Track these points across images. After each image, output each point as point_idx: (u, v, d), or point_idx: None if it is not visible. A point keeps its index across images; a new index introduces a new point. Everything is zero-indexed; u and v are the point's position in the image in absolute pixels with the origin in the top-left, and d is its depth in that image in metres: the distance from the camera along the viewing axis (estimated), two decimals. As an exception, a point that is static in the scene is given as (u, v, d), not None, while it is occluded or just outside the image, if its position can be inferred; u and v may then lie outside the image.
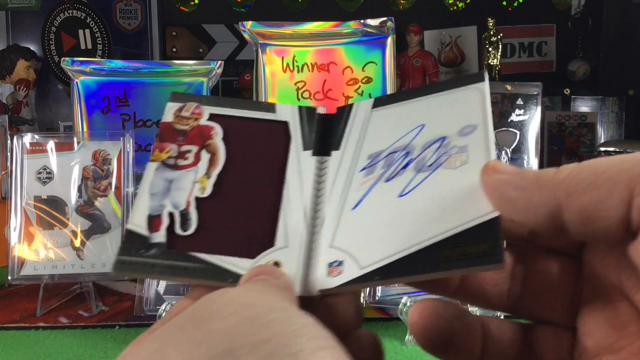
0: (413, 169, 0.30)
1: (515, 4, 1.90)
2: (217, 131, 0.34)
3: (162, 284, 0.79)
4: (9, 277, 0.83)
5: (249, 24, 1.02)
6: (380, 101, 0.34)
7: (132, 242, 0.30)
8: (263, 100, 1.00)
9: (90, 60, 1.06)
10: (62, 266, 0.84)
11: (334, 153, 0.33)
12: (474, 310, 0.58)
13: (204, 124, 0.34)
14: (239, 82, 1.92)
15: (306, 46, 1.02)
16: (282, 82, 1.02)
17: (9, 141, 0.94)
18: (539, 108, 1.18)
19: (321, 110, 0.35)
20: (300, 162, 0.33)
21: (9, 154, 0.90)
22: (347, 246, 0.29)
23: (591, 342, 0.25)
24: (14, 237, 0.84)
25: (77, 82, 1.05)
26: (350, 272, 0.27)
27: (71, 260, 0.84)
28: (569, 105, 1.68)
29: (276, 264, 0.29)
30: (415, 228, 0.27)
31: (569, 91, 1.67)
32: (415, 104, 0.33)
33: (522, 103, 1.18)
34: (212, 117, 0.34)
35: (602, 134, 1.60)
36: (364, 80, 1.02)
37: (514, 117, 1.17)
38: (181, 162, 0.33)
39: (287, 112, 0.35)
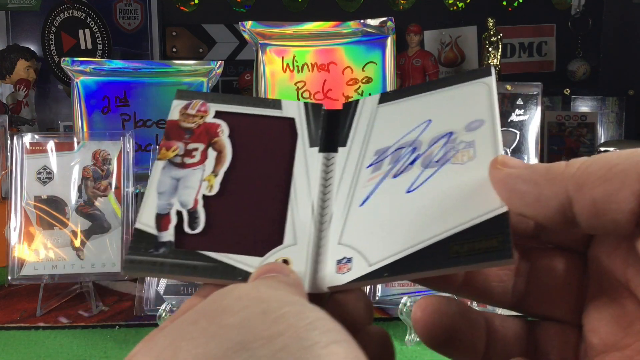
0: (420, 164, 0.29)
1: (515, 4, 1.91)
2: (224, 129, 0.34)
3: (162, 284, 0.79)
4: (9, 277, 0.83)
5: (249, 24, 1.02)
6: (387, 97, 0.34)
7: (141, 241, 0.30)
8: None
9: (90, 60, 1.06)
10: (62, 266, 0.84)
11: (340, 149, 0.33)
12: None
13: (210, 121, 0.34)
14: (239, 82, 1.92)
15: (306, 46, 1.02)
16: (282, 82, 1.02)
17: (9, 141, 0.94)
18: (539, 108, 1.18)
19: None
20: (307, 159, 0.33)
21: (9, 154, 0.90)
22: (356, 243, 0.29)
23: (597, 340, 0.24)
24: (14, 237, 0.84)
25: (77, 82, 1.05)
26: (359, 269, 0.27)
27: (71, 260, 0.84)
28: (569, 105, 1.68)
29: (285, 261, 0.29)
30: (423, 224, 0.27)
31: (569, 91, 1.67)
32: (421, 100, 0.33)
33: (522, 103, 1.18)
34: (218, 115, 0.34)
35: (602, 134, 1.61)
36: (364, 80, 1.02)
37: (514, 117, 1.17)
38: (188, 161, 0.33)
39: (293, 109, 0.35)
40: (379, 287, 0.81)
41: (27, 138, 0.87)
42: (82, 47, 1.86)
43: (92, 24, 1.86)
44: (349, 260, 0.28)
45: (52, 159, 0.87)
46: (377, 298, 0.81)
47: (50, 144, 0.87)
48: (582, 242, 0.26)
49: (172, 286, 0.78)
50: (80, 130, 1.04)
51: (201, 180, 0.32)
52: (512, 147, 1.16)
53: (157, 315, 0.68)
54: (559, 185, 0.23)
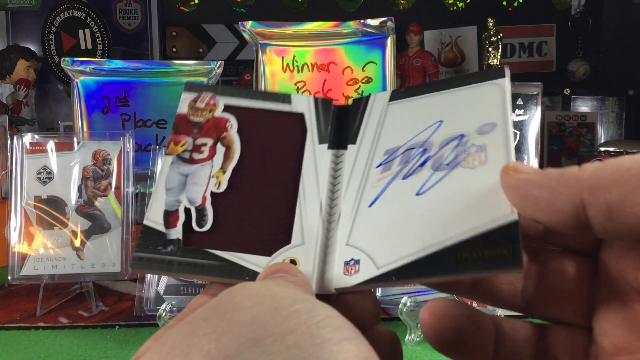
0: (430, 166, 0.29)
1: (515, 4, 1.91)
2: (232, 123, 0.33)
3: (162, 284, 0.79)
4: (9, 277, 0.83)
5: (249, 24, 1.02)
6: (398, 94, 0.34)
7: (149, 238, 0.30)
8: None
9: (90, 60, 1.06)
10: (62, 266, 0.84)
11: (350, 147, 0.33)
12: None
13: (219, 115, 0.33)
14: (239, 82, 1.92)
15: (306, 46, 1.02)
16: (282, 82, 1.02)
17: (9, 141, 0.94)
18: (539, 108, 1.18)
19: None
20: (315, 156, 0.32)
21: (9, 154, 0.90)
22: (364, 245, 0.28)
23: (608, 343, 0.24)
24: (14, 237, 0.84)
25: (77, 82, 1.05)
26: (366, 272, 0.27)
27: (71, 260, 0.84)
28: (569, 105, 1.68)
29: (292, 261, 0.29)
30: (432, 228, 0.27)
31: (569, 91, 1.67)
32: (433, 99, 0.32)
33: (522, 103, 1.18)
34: (227, 109, 0.34)
35: (602, 134, 1.60)
36: (364, 80, 1.02)
37: (514, 117, 1.17)
38: (197, 156, 0.32)
39: (303, 104, 0.34)
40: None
41: (27, 138, 0.87)
42: (82, 47, 1.86)
43: (92, 24, 1.86)
44: (357, 262, 0.28)
45: (52, 159, 0.87)
46: (377, 298, 0.80)
47: (50, 144, 0.87)
48: (592, 245, 0.26)
49: (172, 286, 0.78)
50: (80, 130, 1.04)
51: (209, 177, 0.32)
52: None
53: (157, 315, 0.68)
54: (572, 190, 0.23)
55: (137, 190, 0.91)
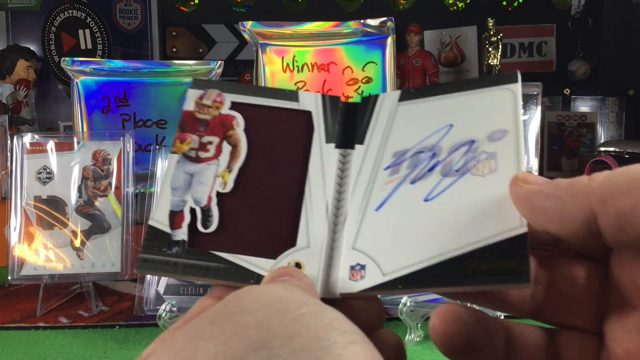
0: (439, 172, 0.29)
1: (515, 4, 1.91)
2: (239, 121, 0.33)
3: (162, 284, 0.79)
4: (9, 277, 0.83)
5: (249, 24, 1.02)
6: (407, 95, 0.33)
7: (154, 239, 0.29)
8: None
9: (90, 60, 1.06)
10: (62, 266, 0.84)
11: (357, 147, 0.32)
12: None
13: (225, 113, 0.33)
14: (239, 82, 1.92)
15: (306, 46, 1.02)
16: (282, 82, 1.02)
17: (9, 141, 0.94)
18: (539, 108, 1.18)
19: None
20: (322, 155, 0.32)
21: (9, 154, 0.90)
22: (370, 250, 0.28)
23: (619, 349, 0.24)
24: (14, 237, 0.84)
25: (77, 82, 1.05)
26: (372, 278, 0.27)
27: (71, 260, 0.84)
28: (569, 105, 1.68)
29: (297, 265, 0.29)
30: (440, 237, 0.26)
31: (569, 91, 1.67)
32: (443, 101, 0.32)
33: (522, 103, 1.18)
34: (234, 106, 0.33)
35: (602, 134, 1.60)
36: (364, 80, 1.02)
37: (514, 117, 1.17)
38: (202, 155, 0.32)
39: (310, 101, 0.34)
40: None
41: (27, 138, 0.87)
42: (82, 47, 1.86)
43: (92, 24, 1.86)
44: (363, 267, 0.28)
45: (52, 159, 0.87)
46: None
47: (50, 144, 0.87)
48: (602, 250, 0.26)
49: (172, 286, 0.78)
50: (80, 130, 1.04)
51: (215, 176, 0.31)
52: (512, 147, 1.16)
53: (157, 315, 0.68)
54: (582, 200, 0.23)
55: (137, 190, 0.91)
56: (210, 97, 0.33)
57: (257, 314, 0.20)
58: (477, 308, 0.27)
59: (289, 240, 0.30)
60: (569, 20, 1.91)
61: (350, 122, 0.33)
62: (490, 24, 1.70)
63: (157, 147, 0.95)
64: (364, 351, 0.19)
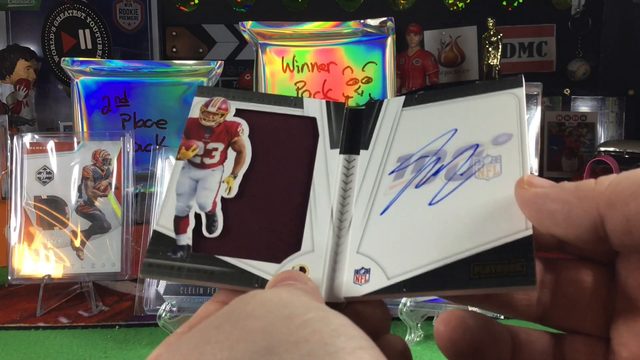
0: (444, 176, 0.29)
1: (515, 4, 1.91)
2: (244, 128, 0.33)
3: (162, 284, 0.79)
4: (9, 277, 0.83)
5: (249, 24, 1.02)
6: (411, 100, 0.33)
7: (159, 244, 0.30)
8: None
9: (90, 60, 1.06)
10: (62, 266, 0.84)
11: (362, 152, 0.32)
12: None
13: (230, 120, 0.33)
14: (239, 82, 1.92)
15: (306, 46, 1.02)
16: (282, 82, 1.02)
17: (9, 141, 0.94)
18: (539, 108, 1.18)
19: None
20: (327, 161, 0.32)
21: (9, 154, 0.90)
22: (375, 253, 0.28)
23: (627, 353, 0.24)
24: (14, 237, 0.84)
25: (77, 82, 1.05)
26: (377, 282, 0.27)
27: (71, 260, 0.84)
28: (569, 105, 1.68)
29: (302, 269, 0.29)
30: (445, 240, 0.26)
31: (569, 91, 1.67)
32: (448, 106, 0.32)
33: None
34: (239, 113, 0.34)
35: (602, 134, 1.60)
36: (364, 80, 1.02)
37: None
38: (207, 161, 0.32)
39: (315, 108, 0.34)
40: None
41: (27, 138, 0.87)
42: (82, 47, 1.86)
43: (92, 24, 1.86)
44: (367, 271, 0.28)
45: (52, 159, 0.87)
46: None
47: (50, 144, 0.87)
48: (608, 254, 0.26)
49: (172, 286, 0.78)
50: (80, 130, 1.04)
51: (220, 182, 0.32)
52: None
53: (157, 315, 0.68)
54: (589, 203, 0.23)
55: (137, 190, 0.91)
56: (215, 104, 0.34)
57: (264, 319, 0.20)
58: (482, 312, 0.27)
59: (294, 244, 0.30)
60: (569, 20, 1.91)
61: (355, 128, 0.33)
62: (490, 24, 1.70)
63: (157, 147, 0.95)
64: (371, 357, 0.19)
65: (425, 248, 0.27)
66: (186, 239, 0.30)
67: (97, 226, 0.86)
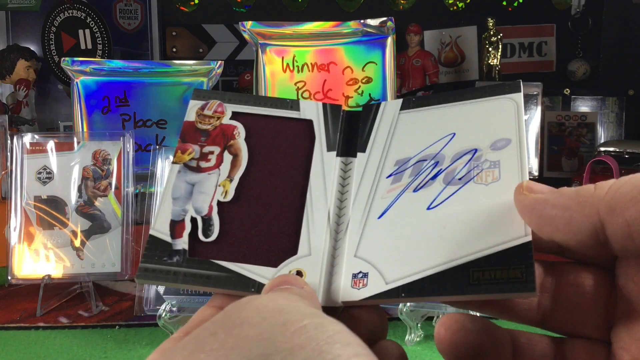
0: (442, 180, 0.29)
1: (515, 4, 1.90)
2: (240, 131, 0.33)
3: (162, 284, 0.79)
4: (9, 277, 0.83)
5: (249, 24, 1.02)
6: (409, 103, 0.33)
7: (155, 248, 0.29)
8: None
9: (90, 60, 1.06)
10: (62, 266, 0.84)
11: (359, 155, 0.32)
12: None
13: (226, 123, 0.33)
14: (239, 82, 1.92)
15: (306, 46, 1.02)
16: (282, 82, 1.02)
17: (9, 141, 0.94)
18: (539, 108, 1.18)
19: None
20: (324, 164, 0.32)
21: (9, 154, 0.90)
22: (372, 257, 0.28)
23: (628, 357, 0.24)
24: (14, 237, 0.84)
25: (77, 82, 1.05)
26: (375, 286, 0.27)
27: (71, 260, 0.84)
28: (569, 105, 1.68)
29: (299, 273, 0.28)
30: (444, 245, 0.26)
31: (569, 91, 1.67)
32: (446, 110, 0.32)
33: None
34: (235, 116, 0.33)
35: (602, 134, 1.60)
36: (364, 80, 1.02)
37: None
38: (203, 164, 0.32)
39: (311, 110, 0.34)
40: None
41: (27, 138, 0.87)
42: (82, 47, 1.86)
43: (92, 24, 1.86)
44: (365, 275, 0.27)
45: (52, 159, 0.87)
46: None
47: (50, 144, 0.87)
48: (609, 258, 0.26)
49: (172, 286, 0.78)
50: (80, 130, 1.04)
51: (216, 186, 0.31)
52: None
53: (157, 315, 0.68)
54: (590, 209, 0.23)
55: (137, 190, 0.91)
56: (211, 107, 0.34)
57: (259, 326, 0.20)
58: (482, 316, 0.27)
59: (290, 248, 0.29)
60: (569, 20, 1.91)
61: (352, 131, 0.33)
62: (490, 24, 1.70)
63: (157, 147, 0.95)
64: None
65: (424, 253, 0.27)
66: (182, 243, 0.30)
67: (97, 226, 0.86)
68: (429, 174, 0.29)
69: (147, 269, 0.29)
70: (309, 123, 0.33)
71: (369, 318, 0.27)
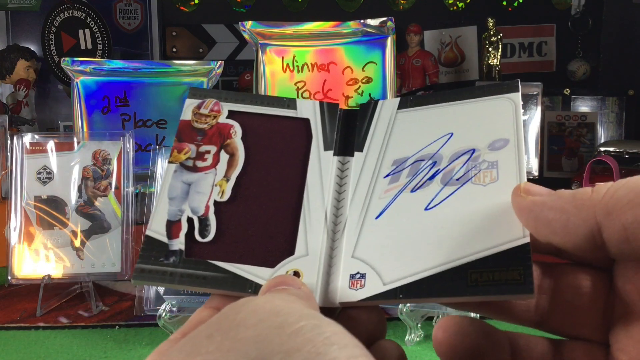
0: (440, 181, 0.29)
1: (515, 4, 1.90)
2: (237, 130, 0.33)
3: (162, 284, 0.79)
4: (9, 277, 0.83)
5: (249, 24, 1.02)
6: (406, 102, 0.33)
7: (151, 249, 0.29)
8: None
9: (90, 60, 1.06)
10: (62, 266, 0.84)
11: (357, 154, 0.32)
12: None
13: (223, 122, 0.33)
14: (239, 82, 1.91)
15: (306, 46, 1.02)
16: (282, 82, 1.02)
17: (9, 141, 0.94)
18: (539, 108, 1.18)
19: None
20: (321, 163, 0.32)
21: (9, 154, 0.90)
22: (370, 258, 0.28)
23: (626, 359, 0.24)
24: (14, 237, 0.84)
25: (77, 82, 1.05)
26: (373, 287, 0.27)
27: (71, 260, 0.84)
28: (569, 105, 1.68)
29: (296, 273, 0.28)
30: (442, 246, 0.26)
31: (569, 91, 1.67)
32: (443, 110, 0.31)
33: (522, 103, 1.18)
34: (231, 115, 0.33)
35: (602, 134, 1.60)
36: (364, 80, 1.02)
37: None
38: (200, 164, 0.32)
39: (308, 109, 0.34)
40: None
41: (27, 138, 0.87)
42: (82, 47, 1.86)
43: (92, 24, 1.86)
44: (363, 276, 0.27)
45: (52, 159, 0.87)
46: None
47: (50, 144, 0.87)
48: (605, 261, 0.26)
49: (172, 286, 0.78)
50: (80, 130, 1.04)
51: (213, 185, 0.31)
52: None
53: (157, 315, 0.68)
54: (587, 212, 0.23)
55: (137, 190, 0.91)
56: (207, 106, 0.33)
57: (255, 328, 0.20)
58: (480, 319, 0.27)
59: (288, 248, 0.29)
60: (569, 20, 1.91)
61: (349, 129, 0.33)
62: (490, 24, 1.70)
63: (157, 147, 0.95)
64: None
65: (422, 254, 0.26)
66: (179, 243, 0.30)
67: (97, 226, 0.86)
68: (426, 174, 0.29)
69: (143, 269, 0.29)
70: (306, 122, 0.33)
71: (367, 318, 0.27)
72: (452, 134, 0.30)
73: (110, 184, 0.87)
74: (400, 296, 0.26)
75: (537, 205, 0.24)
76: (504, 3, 1.91)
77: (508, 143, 0.28)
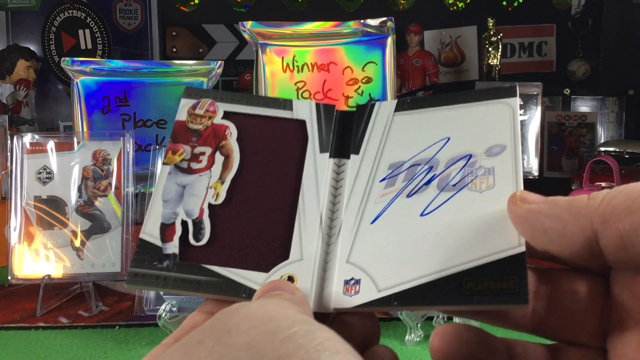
0: (436, 186, 0.28)
1: (515, 4, 1.90)
2: (232, 131, 0.32)
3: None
4: (9, 277, 0.83)
5: (249, 24, 1.02)
6: (403, 105, 0.33)
7: (145, 252, 0.29)
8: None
9: (90, 60, 1.06)
10: (62, 266, 0.84)
11: (352, 156, 0.32)
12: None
13: (218, 122, 0.33)
14: (239, 82, 1.91)
15: (306, 46, 1.02)
16: (282, 82, 1.02)
17: (9, 141, 0.94)
18: (539, 108, 1.18)
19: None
20: (316, 165, 0.31)
21: (9, 154, 0.90)
22: (365, 264, 0.28)
23: None
24: (14, 237, 0.84)
25: (77, 82, 1.05)
26: (367, 293, 0.27)
27: (71, 260, 0.84)
28: (569, 105, 1.68)
29: (290, 278, 0.28)
30: (437, 253, 0.26)
31: (569, 91, 1.67)
32: (440, 113, 0.31)
33: (522, 103, 1.18)
34: (227, 115, 0.33)
35: (602, 134, 1.60)
36: (364, 80, 1.02)
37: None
38: (195, 166, 0.31)
39: (304, 110, 0.33)
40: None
41: (27, 138, 0.87)
42: (82, 47, 1.86)
43: (92, 24, 1.86)
44: (357, 282, 0.27)
45: (52, 159, 0.87)
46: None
47: (50, 144, 0.87)
48: (602, 268, 0.25)
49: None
50: (80, 130, 1.04)
51: (207, 188, 0.31)
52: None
53: (157, 315, 0.68)
54: (583, 220, 0.23)
55: (137, 190, 0.91)
56: (202, 106, 0.33)
57: (247, 334, 0.19)
58: (477, 326, 0.26)
59: (282, 253, 0.29)
60: (569, 20, 1.91)
61: (345, 132, 0.33)
62: (490, 24, 1.70)
63: (157, 147, 0.95)
64: None
65: (417, 260, 0.26)
66: (172, 247, 0.29)
67: (97, 226, 0.86)
68: (422, 179, 0.29)
69: (136, 273, 0.28)
70: (302, 123, 0.33)
71: (361, 324, 0.27)
72: (449, 138, 0.30)
73: (110, 184, 0.87)
74: (395, 303, 0.26)
75: (533, 214, 0.24)
76: (504, 3, 1.91)
77: (505, 149, 0.28)
